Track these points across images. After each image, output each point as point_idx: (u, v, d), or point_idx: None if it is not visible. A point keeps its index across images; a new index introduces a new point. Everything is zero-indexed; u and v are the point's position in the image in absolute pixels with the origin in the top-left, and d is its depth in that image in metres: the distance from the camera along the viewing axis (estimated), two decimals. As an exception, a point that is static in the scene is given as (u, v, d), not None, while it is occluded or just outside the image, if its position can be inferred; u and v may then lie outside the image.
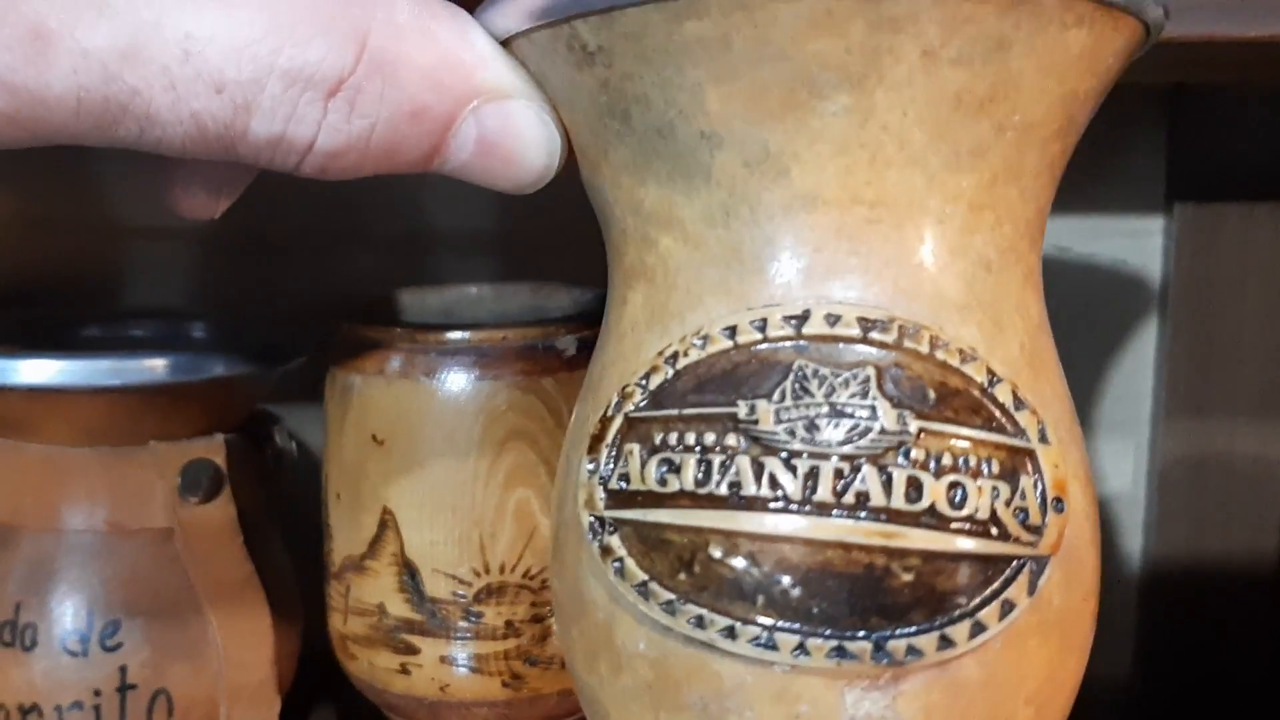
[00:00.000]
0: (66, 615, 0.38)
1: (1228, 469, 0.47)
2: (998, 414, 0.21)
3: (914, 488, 0.20)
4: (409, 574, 0.36)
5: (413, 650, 0.37)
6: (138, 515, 0.39)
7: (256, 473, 0.42)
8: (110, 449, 0.38)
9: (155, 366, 0.37)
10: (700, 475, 0.21)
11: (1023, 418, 0.21)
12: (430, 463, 0.36)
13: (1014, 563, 0.20)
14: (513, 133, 0.22)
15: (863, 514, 0.20)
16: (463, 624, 0.36)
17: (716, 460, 0.21)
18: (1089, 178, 0.48)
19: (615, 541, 0.22)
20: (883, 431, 0.20)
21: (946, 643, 0.20)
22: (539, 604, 0.36)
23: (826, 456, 0.20)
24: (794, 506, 0.20)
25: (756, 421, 0.21)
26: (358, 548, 0.37)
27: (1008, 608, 0.20)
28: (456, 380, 0.35)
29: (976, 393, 0.21)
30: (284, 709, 0.41)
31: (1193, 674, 0.48)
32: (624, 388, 0.22)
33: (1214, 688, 0.48)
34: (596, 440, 0.22)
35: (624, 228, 0.24)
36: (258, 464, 0.42)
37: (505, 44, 0.22)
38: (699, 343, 0.21)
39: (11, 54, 0.19)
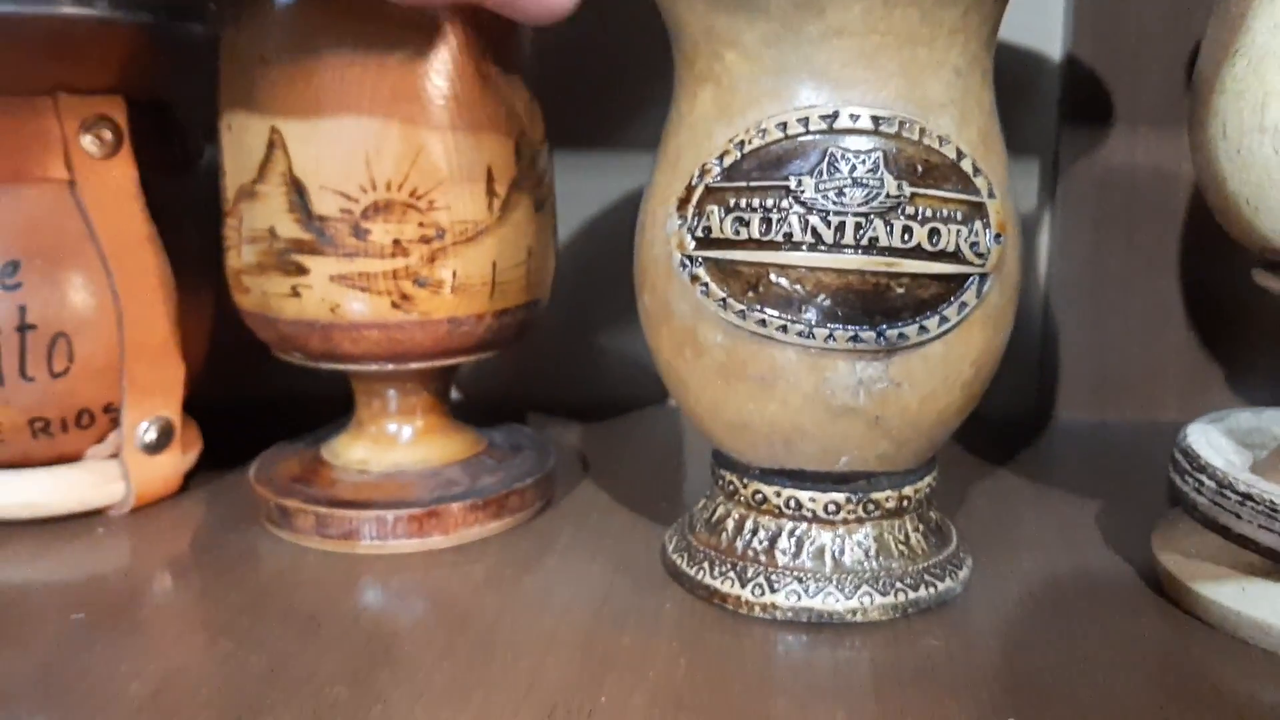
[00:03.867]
0: (-33, 253, 0.38)
1: (1129, 181, 0.51)
2: (962, 179, 0.31)
3: (907, 233, 0.30)
4: (297, 193, 0.37)
5: (303, 270, 0.37)
6: (39, 165, 0.40)
7: (162, 149, 0.44)
8: (12, 96, 0.40)
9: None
10: (763, 228, 0.31)
11: (979, 181, 0.31)
12: (315, 78, 0.36)
13: (969, 278, 0.31)
14: None
15: (873, 252, 0.30)
16: (351, 241, 0.37)
17: (774, 217, 0.31)
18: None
19: (701, 272, 0.32)
20: (888, 196, 0.30)
21: (924, 330, 0.31)
22: (426, 225, 0.37)
23: (849, 213, 0.30)
24: (827, 248, 0.30)
25: (803, 191, 0.30)
26: (248, 174, 0.38)
27: (964, 307, 0.31)
28: None
29: (949, 166, 0.31)
30: (207, 410, 0.45)
31: (1100, 396, 0.53)
32: (703, 165, 0.32)
33: (1118, 402, 0.53)
34: (684, 202, 0.32)
35: (696, 41, 0.32)
36: (163, 141, 0.45)
37: None
38: (759, 134, 0.31)
39: None
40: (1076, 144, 0.52)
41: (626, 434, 0.55)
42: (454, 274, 0.38)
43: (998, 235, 0.31)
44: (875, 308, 0.31)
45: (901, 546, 0.35)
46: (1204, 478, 0.34)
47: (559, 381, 0.60)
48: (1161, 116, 0.51)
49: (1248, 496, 0.32)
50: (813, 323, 0.31)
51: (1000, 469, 0.49)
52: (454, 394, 0.57)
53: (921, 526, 0.35)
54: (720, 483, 0.36)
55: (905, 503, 0.35)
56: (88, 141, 0.41)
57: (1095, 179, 0.52)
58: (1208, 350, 0.53)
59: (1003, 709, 0.29)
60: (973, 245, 0.31)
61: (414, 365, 0.40)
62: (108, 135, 0.41)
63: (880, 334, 0.31)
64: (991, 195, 0.31)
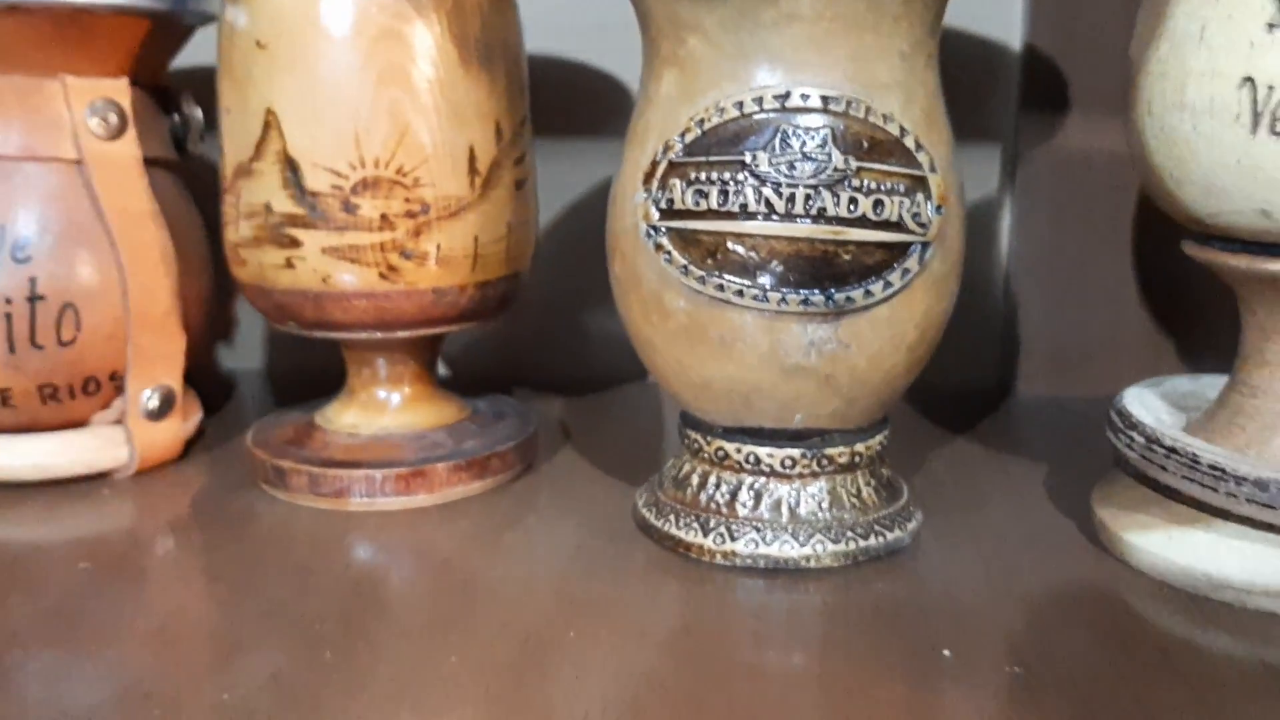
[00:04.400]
0: (-21, 228, 0.41)
1: (1085, 164, 0.54)
2: (905, 155, 0.33)
3: (852, 203, 0.33)
4: (291, 170, 0.39)
5: (296, 243, 0.40)
6: (49, 144, 0.43)
7: (164, 131, 0.47)
8: (23, 78, 0.42)
9: None
10: (721, 199, 0.33)
11: (921, 156, 0.33)
12: (308, 62, 0.39)
13: (911, 246, 0.34)
14: None
15: (821, 221, 0.33)
16: (341, 215, 0.39)
17: (731, 189, 0.33)
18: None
19: (665, 241, 0.34)
20: (835, 169, 0.33)
21: (869, 294, 0.33)
22: (411, 200, 0.40)
23: (800, 185, 0.33)
24: (779, 217, 0.33)
25: (757, 165, 0.33)
26: (245, 153, 0.40)
27: (906, 273, 0.34)
28: None
29: (893, 142, 0.33)
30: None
31: (1058, 371, 0.55)
32: (667, 142, 0.34)
33: (1075, 376, 0.56)
34: (649, 176, 0.35)
35: (661, 27, 0.34)
36: (165, 123, 0.47)
37: None
38: (718, 113, 0.33)
39: None
40: (1035, 129, 0.55)
41: (607, 407, 0.57)
42: (438, 247, 0.41)
43: (939, 207, 0.34)
44: (824, 273, 0.33)
45: (853, 499, 0.37)
46: (1135, 434, 0.36)
47: (544, 359, 0.62)
48: (1116, 103, 0.52)
49: (1173, 450, 0.35)
50: (767, 287, 0.33)
51: (959, 438, 0.51)
52: (442, 370, 0.59)
53: (873, 481, 0.38)
54: (686, 441, 0.39)
55: (857, 458, 0.37)
56: (94, 123, 0.43)
57: (1053, 163, 0.55)
58: (1161, 325, 0.56)
59: (941, 645, 0.32)
60: (915, 215, 0.33)
61: (400, 334, 0.43)
62: (113, 118, 0.43)
63: (829, 298, 0.33)
64: (933, 170, 0.34)
